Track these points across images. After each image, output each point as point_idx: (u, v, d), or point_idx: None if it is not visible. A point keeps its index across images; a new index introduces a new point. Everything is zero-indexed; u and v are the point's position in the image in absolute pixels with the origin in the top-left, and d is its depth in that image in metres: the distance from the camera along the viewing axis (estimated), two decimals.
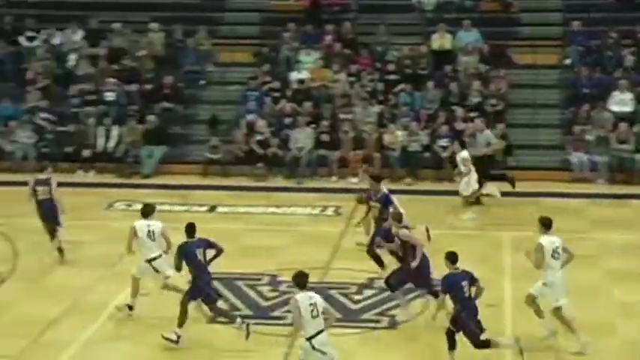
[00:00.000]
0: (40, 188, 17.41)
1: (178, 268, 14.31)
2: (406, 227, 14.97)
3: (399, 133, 23.49)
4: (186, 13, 27.30)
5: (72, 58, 25.85)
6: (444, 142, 23.12)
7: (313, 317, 11.90)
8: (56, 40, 26.34)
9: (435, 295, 14.11)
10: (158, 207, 20.75)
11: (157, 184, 23.01)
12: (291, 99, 24.78)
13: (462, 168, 20.92)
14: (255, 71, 25.61)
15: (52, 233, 17.53)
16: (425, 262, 14.68)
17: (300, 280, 12.13)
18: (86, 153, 23.73)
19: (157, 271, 14.94)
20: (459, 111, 23.74)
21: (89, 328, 14.80)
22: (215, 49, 26.49)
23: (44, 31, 26.45)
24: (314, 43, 26.19)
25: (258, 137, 23.72)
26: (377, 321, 15.14)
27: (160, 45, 26.16)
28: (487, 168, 21.61)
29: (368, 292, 16.17)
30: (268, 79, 25.32)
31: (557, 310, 13.72)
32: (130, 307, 15.09)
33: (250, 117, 24.30)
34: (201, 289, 14.12)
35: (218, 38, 26.81)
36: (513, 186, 21.64)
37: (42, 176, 17.73)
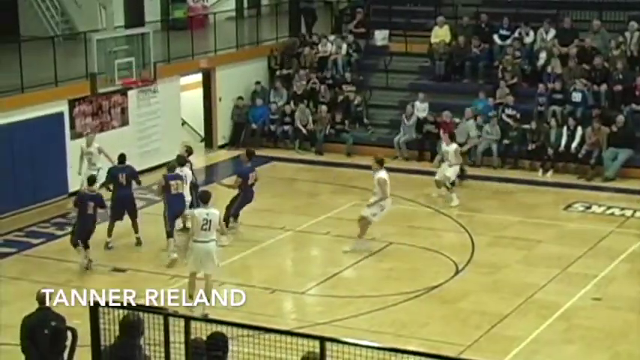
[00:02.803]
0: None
1: None
2: None
3: None
4: None
5: (542, 57, 25.91)
6: None
7: (203, 229, 14.90)
8: (528, 39, 26.55)
9: None
10: (618, 212, 20.55)
11: (618, 187, 22.41)
12: None
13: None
14: None
15: None
16: None
17: (204, 197, 15.31)
18: (549, 152, 23.71)
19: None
20: None
21: (539, 327, 14.82)
22: None
23: (517, 29, 26.76)
24: None
25: None
26: None
27: (635, 45, 25.39)
28: None
29: None
30: None
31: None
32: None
33: None
34: None
35: None
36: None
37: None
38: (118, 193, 18.45)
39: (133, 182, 18.72)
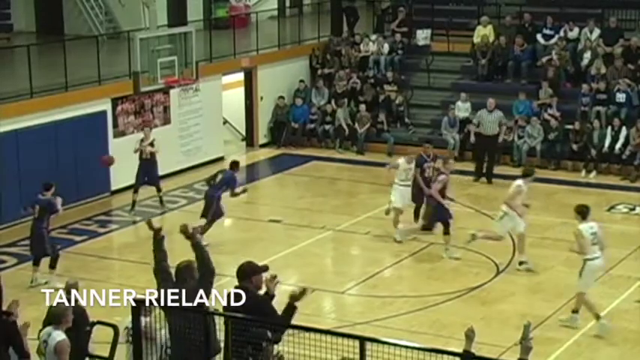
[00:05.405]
0: None
1: None
2: None
3: None
4: None
5: (586, 57, 25.67)
6: None
7: (593, 244, 14.23)
8: (571, 35, 26.32)
9: None
10: None
11: None
12: None
13: None
14: None
15: None
16: None
17: (583, 212, 14.48)
18: (592, 152, 23.50)
19: None
20: None
21: (581, 329, 14.68)
22: None
23: (561, 28, 26.54)
24: None
25: None
26: None
27: None
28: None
29: None
30: None
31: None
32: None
33: None
34: None
35: None
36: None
37: None
38: None
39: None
